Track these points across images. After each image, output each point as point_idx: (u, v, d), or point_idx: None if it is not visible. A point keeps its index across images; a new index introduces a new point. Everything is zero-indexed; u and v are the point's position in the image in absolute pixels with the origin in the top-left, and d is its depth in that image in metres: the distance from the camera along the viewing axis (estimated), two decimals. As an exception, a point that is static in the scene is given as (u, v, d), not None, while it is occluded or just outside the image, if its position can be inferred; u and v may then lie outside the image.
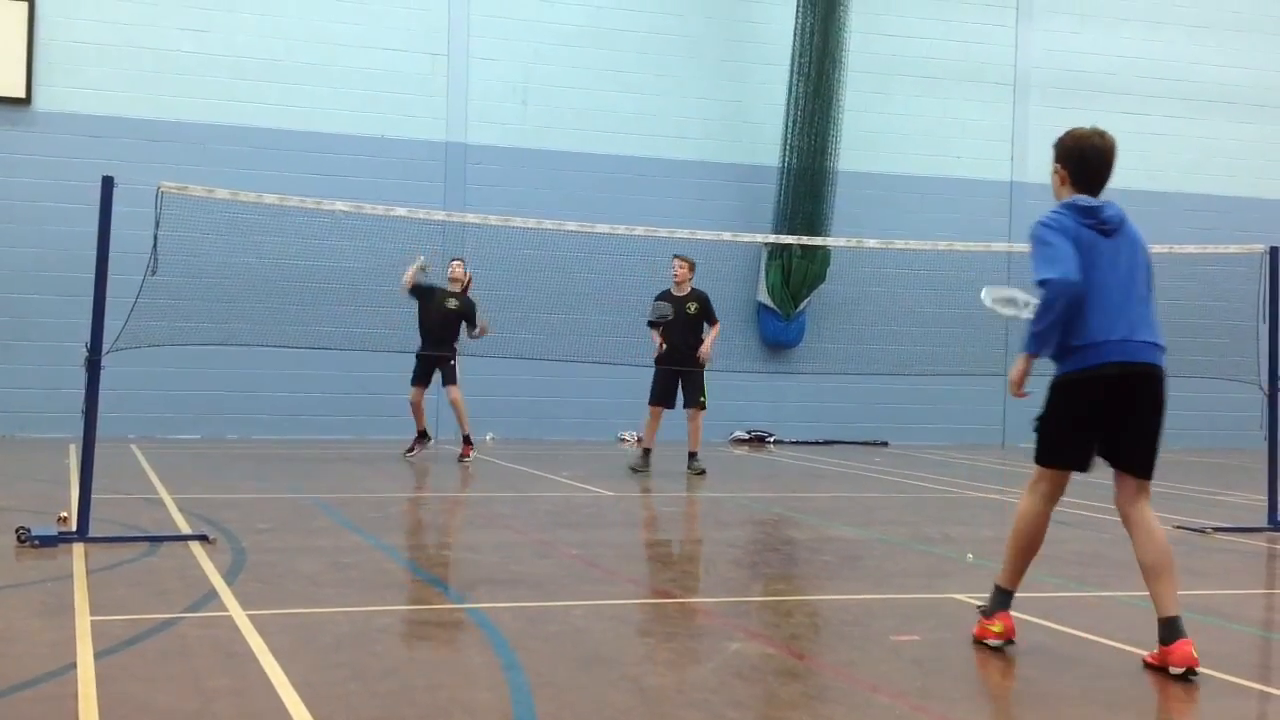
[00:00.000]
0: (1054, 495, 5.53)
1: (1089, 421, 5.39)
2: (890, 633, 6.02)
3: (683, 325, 13.21)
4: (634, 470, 13.18)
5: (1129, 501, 5.41)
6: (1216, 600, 7.03)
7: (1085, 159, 5.53)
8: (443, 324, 13.94)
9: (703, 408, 13.23)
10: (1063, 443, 5.45)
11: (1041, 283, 5.27)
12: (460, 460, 14.02)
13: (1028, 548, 5.54)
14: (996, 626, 5.55)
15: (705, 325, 13.31)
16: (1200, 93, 20.51)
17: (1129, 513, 5.41)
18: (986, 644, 5.55)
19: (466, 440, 14.18)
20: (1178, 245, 12.76)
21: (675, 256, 13.46)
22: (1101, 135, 5.58)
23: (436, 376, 14.07)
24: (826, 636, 6.25)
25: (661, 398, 13.32)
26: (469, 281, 14.30)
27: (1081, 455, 5.45)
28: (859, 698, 4.92)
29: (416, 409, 14.05)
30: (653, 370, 13.39)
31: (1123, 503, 5.43)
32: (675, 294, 13.34)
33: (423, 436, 14.23)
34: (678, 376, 13.18)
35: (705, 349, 13.15)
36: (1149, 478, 5.41)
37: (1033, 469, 5.58)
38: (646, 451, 13.39)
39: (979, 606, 5.77)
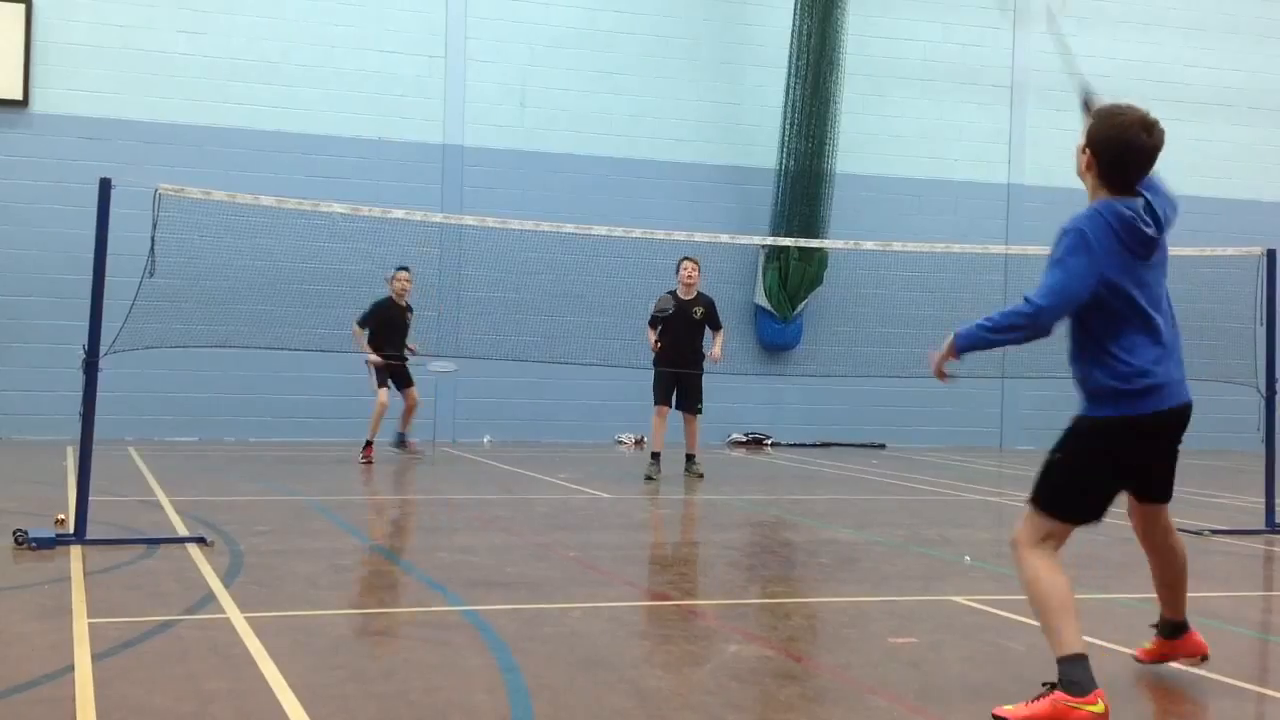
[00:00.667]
0: (1061, 545, 4.76)
1: (1130, 468, 4.78)
2: (887, 635, 6.03)
3: (688, 329, 13.01)
4: (650, 478, 12.78)
5: (1156, 521, 5.05)
6: (1214, 603, 7.03)
7: (1123, 158, 4.66)
8: (403, 337, 14.15)
9: (699, 413, 13.08)
10: (1093, 493, 4.72)
11: (1028, 302, 4.58)
12: (401, 451, 14.41)
13: (1068, 605, 4.57)
14: (1098, 706, 4.41)
15: (708, 330, 13.11)
16: (1196, 95, 20.53)
17: (1157, 533, 5.06)
18: None
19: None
20: (1174, 247, 12.75)
21: (687, 259, 13.16)
22: (1149, 129, 4.64)
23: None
24: (824, 638, 6.26)
25: (666, 397, 13.05)
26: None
27: (1106, 505, 4.78)
28: (856, 700, 4.93)
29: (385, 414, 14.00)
30: (651, 372, 13.26)
31: (1148, 525, 5.06)
32: (682, 296, 13.07)
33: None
34: (677, 379, 12.98)
35: (718, 353, 13.02)
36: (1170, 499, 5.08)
37: (1026, 509, 4.81)
38: (655, 455, 13.07)
39: (1050, 685, 4.53)
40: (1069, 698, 4.42)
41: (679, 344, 13.01)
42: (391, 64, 17.48)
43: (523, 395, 17.57)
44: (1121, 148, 4.65)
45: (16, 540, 7.66)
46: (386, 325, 13.96)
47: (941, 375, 5.04)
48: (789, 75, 18.37)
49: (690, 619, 6.43)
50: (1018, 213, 19.70)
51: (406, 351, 14.07)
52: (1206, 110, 20.57)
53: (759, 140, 18.63)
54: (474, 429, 17.49)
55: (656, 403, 13.14)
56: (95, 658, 5.08)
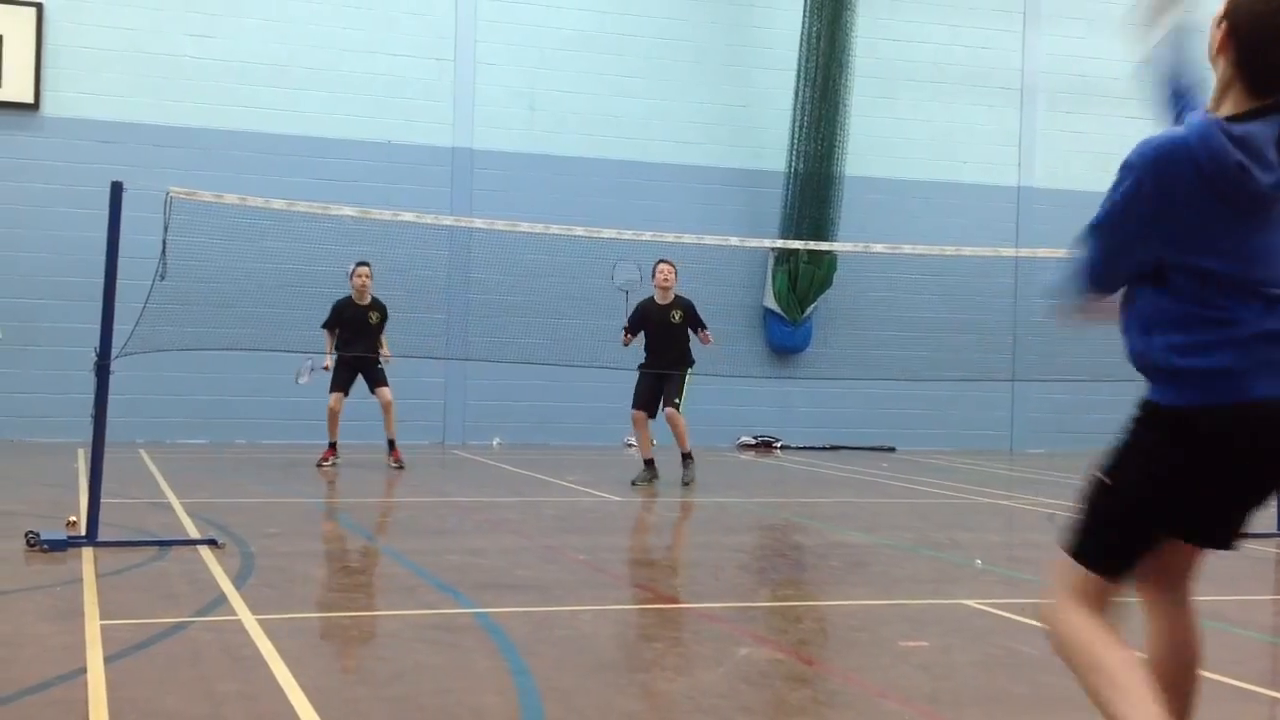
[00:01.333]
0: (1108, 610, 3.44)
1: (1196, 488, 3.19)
2: (898, 638, 6.02)
3: (668, 334, 12.58)
4: (635, 484, 12.47)
5: (1182, 575, 3.49)
6: (1224, 606, 7.02)
7: (1276, 42, 3.08)
8: (366, 337, 13.46)
9: (677, 407, 12.45)
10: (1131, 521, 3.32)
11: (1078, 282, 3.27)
12: (394, 466, 13.47)
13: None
14: None
15: (690, 333, 12.62)
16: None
17: (1175, 595, 3.50)
18: None
19: (392, 445, 13.60)
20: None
21: (661, 261, 12.72)
22: None
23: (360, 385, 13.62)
24: (834, 642, 6.25)
25: (645, 403, 12.65)
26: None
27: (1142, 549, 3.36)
28: (867, 703, 4.93)
29: (336, 417, 13.50)
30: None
31: (1172, 576, 3.49)
32: (659, 302, 12.66)
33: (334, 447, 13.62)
34: (661, 382, 12.58)
35: (710, 337, 12.53)
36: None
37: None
38: (649, 462, 12.69)
39: None
40: None
41: (661, 350, 12.59)
42: (401, 67, 17.51)
43: (532, 398, 17.58)
44: (1276, 27, 3.08)
45: (28, 542, 7.68)
46: (348, 326, 13.44)
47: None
48: (798, 78, 18.37)
49: (700, 622, 6.43)
50: (1028, 215, 19.66)
51: (384, 356, 13.48)
52: (1217, 112, 20.51)
53: (768, 143, 18.62)
54: (483, 431, 17.50)
55: (635, 406, 12.68)
56: (107, 659, 5.10)
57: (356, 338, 13.44)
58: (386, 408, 13.51)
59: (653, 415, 12.73)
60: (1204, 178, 3.04)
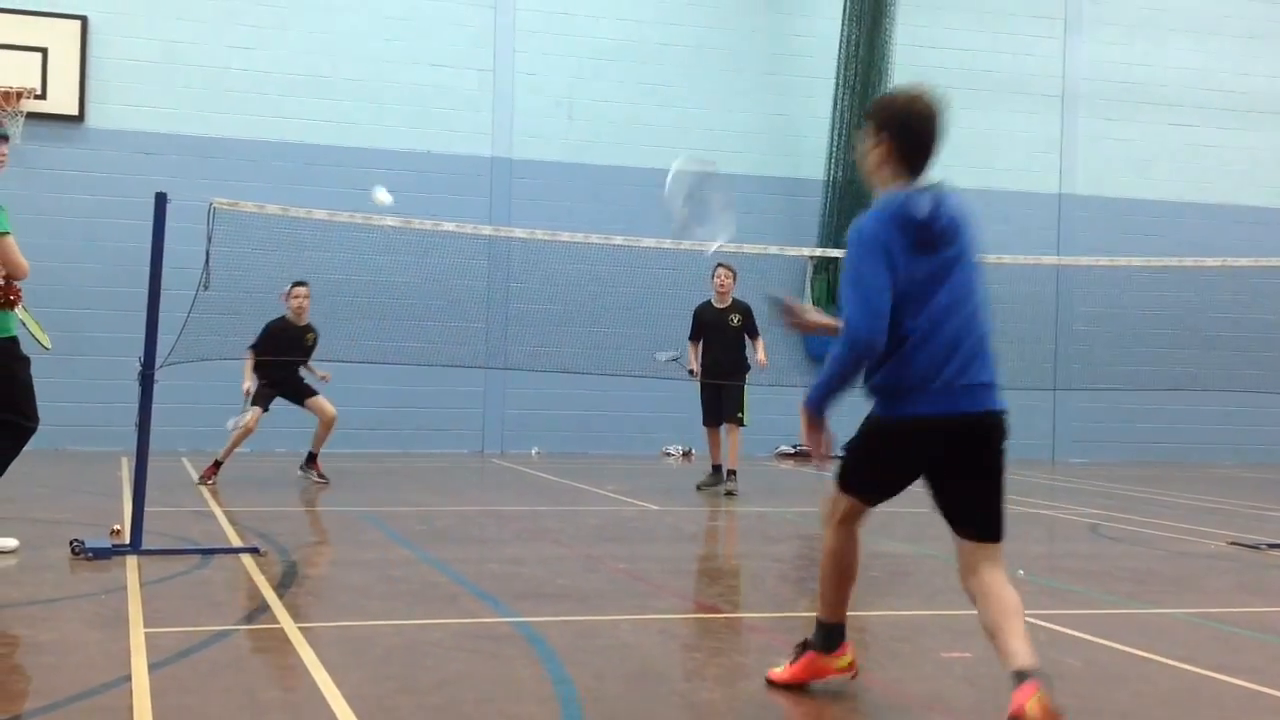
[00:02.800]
0: (857, 518, 5.01)
1: (907, 471, 4.81)
2: (941, 649, 5.98)
3: (726, 338, 12.82)
4: (700, 488, 12.83)
5: (970, 570, 4.56)
6: (1272, 617, 6.93)
7: (924, 138, 4.35)
8: (304, 358, 12.82)
9: (740, 424, 12.76)
10: (871, 478, 4.98)
11: (848, 329, 4.43)
12: (309, 473, 13.00)
13: (845, 579, 5.05)
14: (846, 657, 4.99)
15: (747, 339, 12.90)
16: (1251, 104, 20.29)
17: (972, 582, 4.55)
18: (825, 679, 4.98)
19: (313, 458, 13.00)
20: (1230, 259, 12.64)
21: (720, 265, 12.92)
22: (938, 105, 4.38)
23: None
24: (876, 653, 6.21)
25: (711, 417, 12.95)
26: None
27: (886, 493, 4.92)
28: (910, 715, 4.90)
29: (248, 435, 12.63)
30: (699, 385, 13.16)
31: (964, 573, 4.59)
32: (716, 305, 12.94)
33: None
34: (721, 392, 12.80)
35: (763, 359, 12.81)
36: (996, 540, 4.55)
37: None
38: (717, 468, 12.95)
39: (803, 642, 5.05)
40: (819, 655, 4.94)
41: (718, 356, 12.80)
42: (440, 78, 17.61)
43: (570, 407, 17.61)
44: (922, 126, 4.33)
45: (74, 550, 7.75)
46: (281, 348, 12.48)
47: (824, 455, 4.81)
48: (837, 86, 18.34)
49: (741, 632, 6.41)
50: (1069, 223, 19.52)
51: (319, 378, 12.79)
52: (1262, 119, 20.33)
53: (807, 151, 18.60)
54: (522, 440, 17.54)
55: (705, 423, 13.05)
56: (152, 667, 5.14)
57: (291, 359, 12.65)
58: (329, 424, 12.77)
59: (718, 426, 12.97)
60: (899, 234, 4.49)
